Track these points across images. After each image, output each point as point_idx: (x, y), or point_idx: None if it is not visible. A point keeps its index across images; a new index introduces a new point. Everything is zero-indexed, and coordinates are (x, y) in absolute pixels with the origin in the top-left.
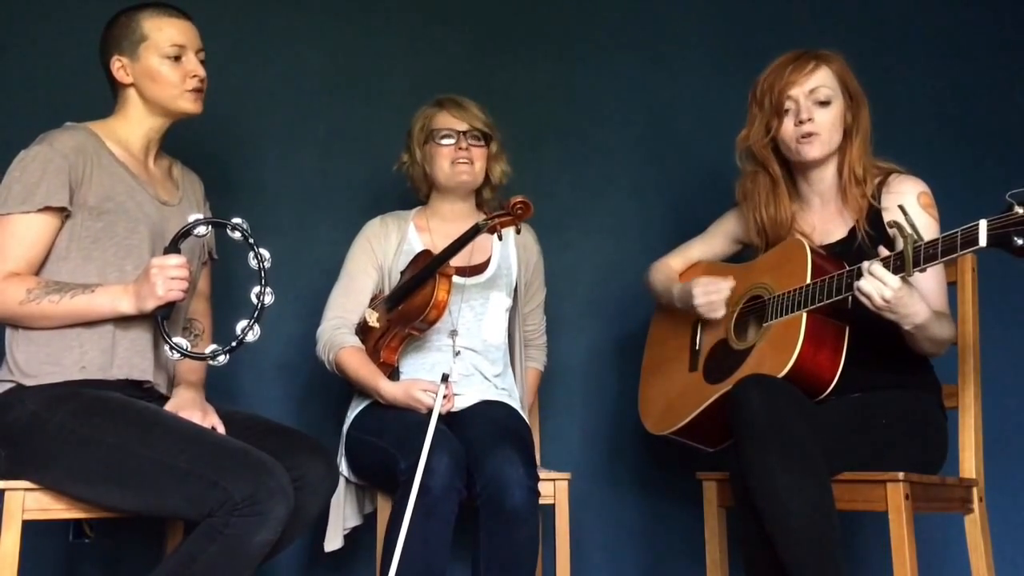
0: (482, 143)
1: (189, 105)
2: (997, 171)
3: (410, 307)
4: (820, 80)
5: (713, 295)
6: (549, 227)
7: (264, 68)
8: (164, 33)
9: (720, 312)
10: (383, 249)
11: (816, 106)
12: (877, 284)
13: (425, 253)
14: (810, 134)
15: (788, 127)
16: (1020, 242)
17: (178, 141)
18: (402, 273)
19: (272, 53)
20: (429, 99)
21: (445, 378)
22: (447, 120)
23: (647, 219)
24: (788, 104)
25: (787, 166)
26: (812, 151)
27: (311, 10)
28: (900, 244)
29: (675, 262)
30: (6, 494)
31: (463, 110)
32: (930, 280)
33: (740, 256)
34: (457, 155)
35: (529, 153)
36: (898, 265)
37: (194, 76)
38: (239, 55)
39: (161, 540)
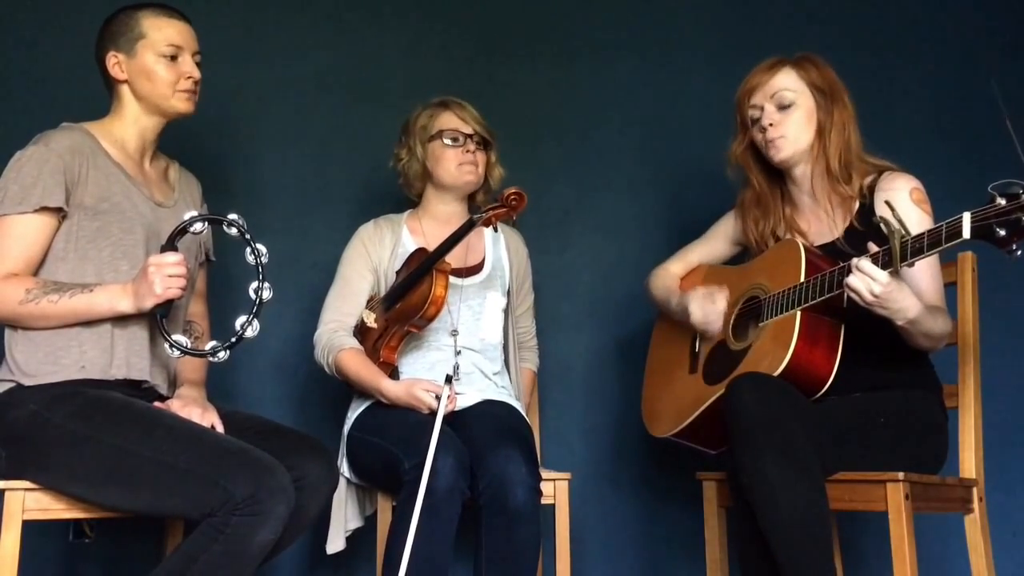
0: (483, 148)
1: (181, 105)
2: (989, 167)
3: (408, 305)
4: (780, 83)
5: (711, 314)
6: (549, 227)
7: (262, 68)
8: (163, 32)
9: (717, 326)
10: (378, 252)
11: (778, 110)
12: (866, 280)
13: (420, 251)
14: (775, 139)
15: (757, 134)
16: (1002, 232)
17: (176, 141)
18: (397, 273)
19: (270, 53)
20: (428, 99)
21: (449, 379)
22: (453, 121)
23: (646, 219)
24: (754, 112)
25: (776, 172)
26: (779, 153)
27: (309, 10)
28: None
29: (675, 267)
30: (6, 494)
31: (468, 113)
32: (924, 275)
33: (740, 257)
34: (464, 157)
35: (528, 153)
36: (886, 260)
37: (189, 78)
38: (237, 55)
39: (161, 540)
